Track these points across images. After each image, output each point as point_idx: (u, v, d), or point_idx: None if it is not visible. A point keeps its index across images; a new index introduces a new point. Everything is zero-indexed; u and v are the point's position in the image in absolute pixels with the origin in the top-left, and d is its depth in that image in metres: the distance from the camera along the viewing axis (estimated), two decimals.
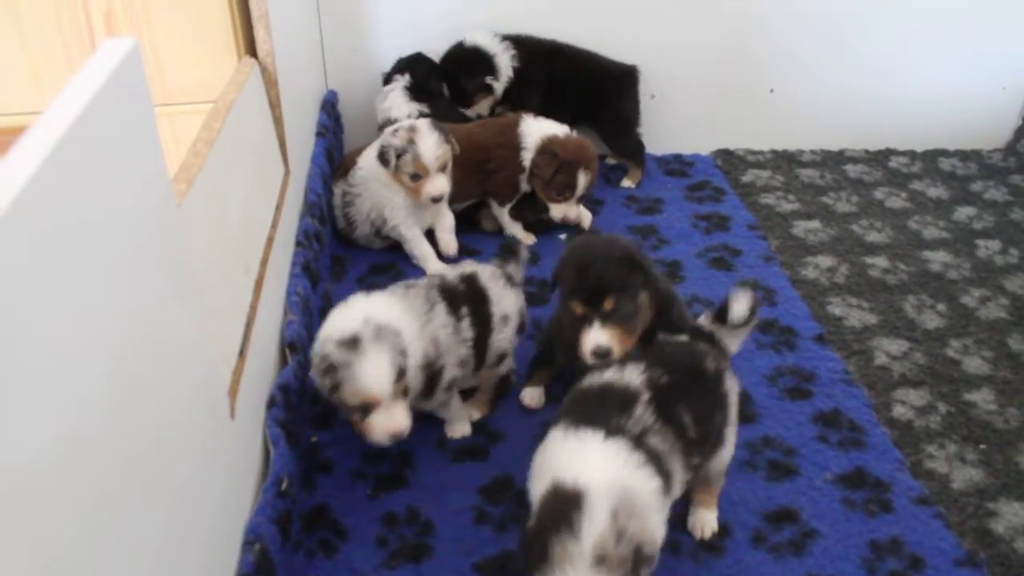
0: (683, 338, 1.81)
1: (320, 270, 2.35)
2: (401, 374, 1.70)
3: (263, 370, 1.78)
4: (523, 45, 3.04)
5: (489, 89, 3.02)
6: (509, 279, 2.08)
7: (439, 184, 2.47)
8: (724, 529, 1.80)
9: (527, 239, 2.78)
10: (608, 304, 1.81)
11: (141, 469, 1.08)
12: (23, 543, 0.79)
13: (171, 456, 1.20)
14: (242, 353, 1.63)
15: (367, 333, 1.69)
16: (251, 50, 2.10)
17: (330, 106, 3.00)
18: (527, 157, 2.71)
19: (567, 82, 3.06)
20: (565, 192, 2.70)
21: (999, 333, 2.41)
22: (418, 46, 3.07)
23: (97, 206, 0.97)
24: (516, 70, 3.02)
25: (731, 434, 1.73)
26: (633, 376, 1.59)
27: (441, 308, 1.89)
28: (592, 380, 1.64)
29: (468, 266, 2.07)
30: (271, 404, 1.76)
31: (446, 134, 2.48)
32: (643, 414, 1.52)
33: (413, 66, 2.96)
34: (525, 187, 2.79)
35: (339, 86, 3.15)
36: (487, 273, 2.04)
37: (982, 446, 2.03)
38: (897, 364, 2.28)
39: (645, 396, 1.55)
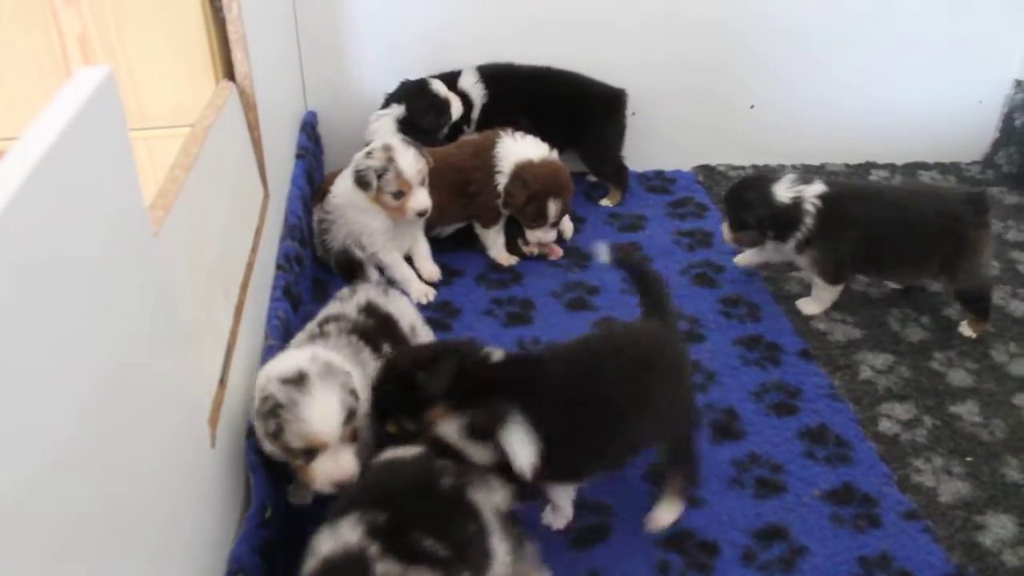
0: (413, 452, 1.57)
1: (301, 293, 2.33)
2: (351, 415, 1.57)
3: (244, 397, 1.76)
4: (497, 77, 3.05)
5: (461, 131, 3.07)
6: (388, 287, 2.08)
7: (422, 198, 2.46)
8: (713, 548, 1.79)
9: (508, 260, 2.77)
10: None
11: (120, 500, 1.06)
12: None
13: (151, 487, 1.18)
14: (222, 381, 1.60)
15: (314, 370, 1.56)
16: (229, 73, 2.09)
17: (310, 127, 2.98)
18: (502, 182, 2.67)
19: (549, 107, 3.04)
20: (537, 220, 2.68)
21: (982, 345, 2.41)
22: (398, 67, 3.06)
23: (71, 236, 0.96)
24: (486, 106, 3.06)
25: (498, 545, 1.48)
26: (349, 535, 1.33)
27: (366, 352, 1.81)
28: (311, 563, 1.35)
29: (351, 294, 1.97)
30: (251, 432, 1.73)
31: (420, 148, 2.48)
32: (383, 571, 1.29)
33: (412, 100, 2.91)
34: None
35: (318, 107, 3.14)
36: (376, 293, 1.99)
37: (968, 459, 2.03)
38: (882, 378, 2.28)
39: (372, 550, 1.31)
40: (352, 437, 1.60)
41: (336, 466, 1.56)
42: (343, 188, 2.54)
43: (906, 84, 3.37)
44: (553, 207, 2.65)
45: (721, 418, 2.13)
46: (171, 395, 1.29)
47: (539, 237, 2.72)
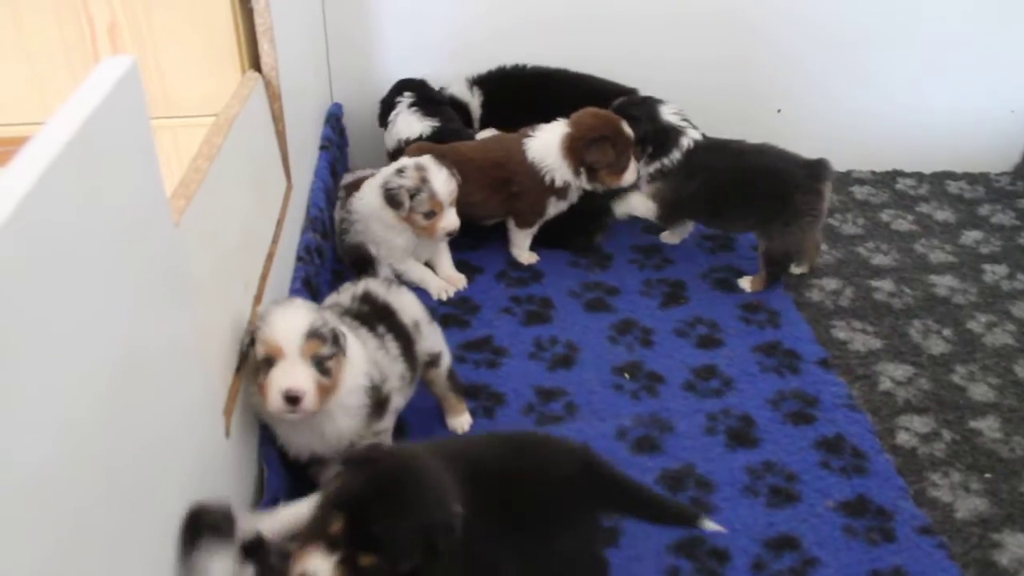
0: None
1: (321, 285, 2.33)
2: (318, 339, 1.58)
3: None
4: (502, 80, 3.07)
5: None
6: (395, 282, 2.08)
7: (452, 219, 2.44)
8: (724, 555, 1.78)
9: (530, 259, 2.76)
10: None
11: (133, 487, 1.07)
12: (9, 562, 0.78)
13: (164, 474, 1.19)
14: (239, 371, 1.61)
15: (299, 300, 1.67)
16: (255, 64, 2.10)
17: (335, 119, 2.99)
18: (557, 174, 2.60)
19: (556, 108, 3.02)
20: (625, 158, 2.58)
21: (1005, 359, 2.38)
22: (425, 61, 3.08)
23: (91, 224, 0.96)
24: (484, 115, 3.09)
25: None
26: None
27: (363, 330, 1.82)
28: None
29: (351, 286, 1.98)
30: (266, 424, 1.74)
31: (450, 167, 2.45)
32: None
33: (409, 86, 2.94)
34: (552, 211, 2.71)
35: (344, 99, 3.14)
36: (376, 285, 1.99)
37: (987, 475, 2.01)
38: (902, 390, 2.26)
39: None
40: (316, 361, 1.58)
41: (285, 376, 1.55)
42: (369, 201, 2.50)
43: (936, 92, 3.33)
44: (627, 128, 2.59)
45: (737, 425, 2.12)
46: (187, 383, 1.30)
47: (634, 171, 2.62)
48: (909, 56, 3.25)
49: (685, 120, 2.66)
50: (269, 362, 1.57)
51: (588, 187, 2.66)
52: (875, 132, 3.39)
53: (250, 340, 1.62)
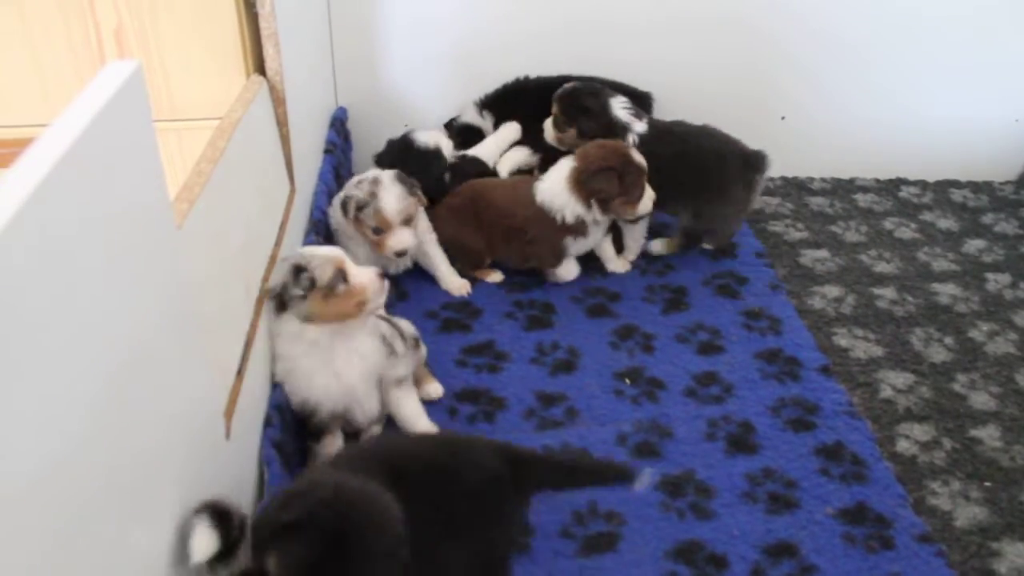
0: None
1: None
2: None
3: (261, 390, 1.78)
4: (508, 97, 3.07)
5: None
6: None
7: (402, 238, 2.38)
8: (722, 561, 1.78)
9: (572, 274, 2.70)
10: None
11: (132, 487, 1.08)
12: (7, 559, 0.79)
13: (163, 475, 1.19)
14: (240, 373, 1.62)
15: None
16: (260, 68, 2.11)
17: (339, 123, 3.00)
18: (567, 211, 2.52)
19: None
20: (638, 187, 2.52)
21: (1007, 368, 2.38)
22: (430, 66, 3.10)
23: (93, 226, 0.97)
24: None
25: None
26: None
27: None
28: None
29: None
30: (267, 424, 1.75)
31: (411, 186, 2.40)
32: None
33: (402, 160, 2.74)
34: (575, 249, 2.64)
35: (349, 103, 3.16)
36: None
37: (987, 484, 2.01)
38: (902, 397, 2.26)
39: None
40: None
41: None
42: (335, 209, 2.50)
43: (941, 101, 3.32)
44: (637, 155, 2.54)
45: (737, 431, 2.12)
46: (187, 385, 1.31)
47: (648, 202, 2.57)
48: (914, 64, 3.25)
49: (633, 113, 2.71)
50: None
51: (604, 218, 2.58)
52: (879, 140, 3.38)
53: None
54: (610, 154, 2.51)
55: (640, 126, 2.68)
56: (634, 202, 2.53)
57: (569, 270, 2.68)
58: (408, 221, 2.40)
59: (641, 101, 3.09)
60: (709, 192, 2.69)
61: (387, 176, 2.39)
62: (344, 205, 2.40)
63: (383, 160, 2.77)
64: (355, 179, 2.45)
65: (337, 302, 1.79)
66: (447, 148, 2.86)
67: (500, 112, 3.08)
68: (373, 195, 2.34)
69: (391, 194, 2.35)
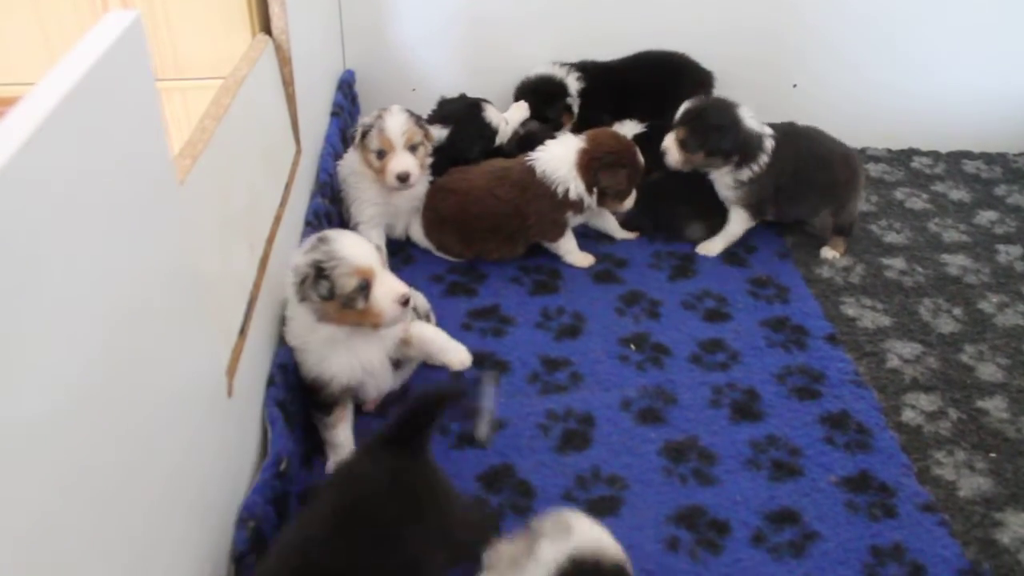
0: None
1: None
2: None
3: (265, 349, 1.78)
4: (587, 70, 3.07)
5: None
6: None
7: (404, 160, 2.37)
8: (724, 527, 1.78)
9: (589, 260, 2.63)
10: None
11: (132, 443, 1.08)
12: (8, 509, 0.79)
13: (163, 432, 1.19)
14: (243, 332, 1.62)
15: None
16: (266, 27, 2.09)
17: (347, 86, 2.98)
18: (572, 187, 2.49)
19: (639, 93, 3.06)
20: (634, 183, 2.55)
21: (1016, 340, 2.36)
22: (439, 31, 3.07)
23: (90, 179, 0.96)
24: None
25: None
26: None
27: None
28: None
29: None
30: (270, 383, 1.75)
31: (419, 119, 2.43)
32: None
33: (461, 123, 2.72)
34: (572, 224, 2.61)
35: (357, 66, 3.13)
36: None
37: (992, 455, 2.00)
38: (909, 368, 2.24)
39: None
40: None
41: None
42: (348, 155, 2.54)
43: (955, 70, 3.27)
44: (639, 154, 2.55)
45: (742, 399, 2.11)
46: (188, 342, 1.31)
47: (631, 201, 2.59)
48: (929, 33, 3.20)
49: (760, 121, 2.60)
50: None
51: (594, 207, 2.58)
52: (892, 109, 3.34)
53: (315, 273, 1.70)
54: (624, 151, 2.51)
55: (769, 132, 2.57)
56: (623, 199, 2.56)
57: (586, 256, 2.63)
58: (412, 148, 2.40)
59: (704, 80, 3.06)
60: (846, 187, 2.64)
61: (395, 106, 2.42)
62: (352, 132, 2.44)
63: (440, 116, 2.75)
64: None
65: (354, 315, 1.74)
66: (503, 134, 2.82)
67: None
68: (379, 118, 2.37)
69: (395, 118, 2.37)
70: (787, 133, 2.61)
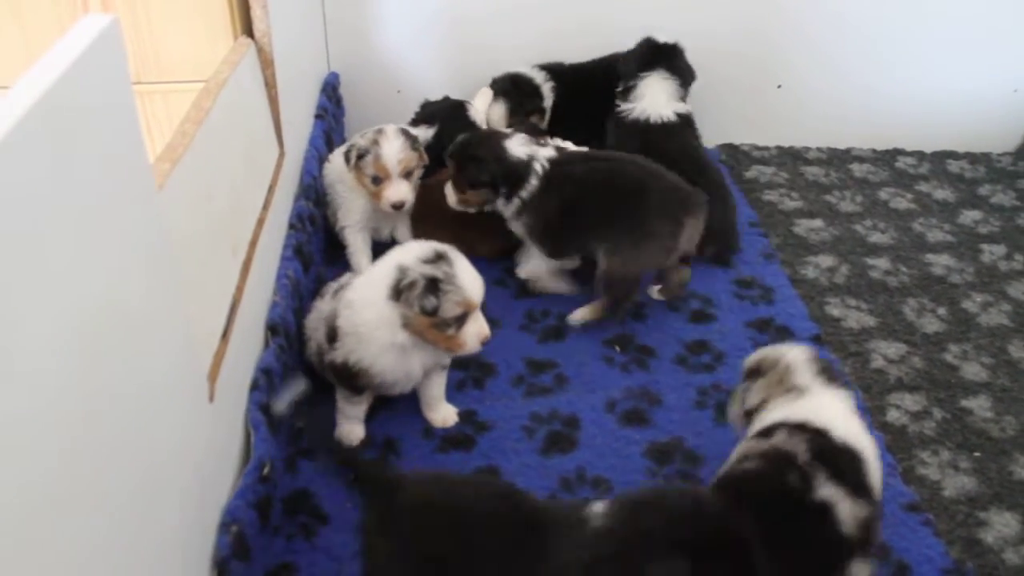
0: None
1: (313, 253, 2.32)
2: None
3: (248, 353, 1.77)
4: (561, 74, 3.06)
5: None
6: None
7: (400, 189, 2.36)
8: None
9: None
10: None
11: (109, 450, 1.06)
12: None
13: (142, 438, 1.18)
14: (225, 336, 1.61)
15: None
16: (248, 30, 2.08)
17: (331, 88, 2.97)
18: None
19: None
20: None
21: (1000, 339, 2.37)
22: (423, 32, 3.06)
23: (65, 183, 0.95)
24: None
25: None
26: None
27: None
28: None
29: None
30: (254, 387, 1.74)
31: (414, 140, 2.40)
32: None
33: (446, 122, 2.72)
34: None
35: (342, 69, 3.12)
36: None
37: (976, 454, 2.01)
38: (894, 368, 2.25)
39: None
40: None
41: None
42: (336, 162, 2.52)
43: (939, 70, 3.29)
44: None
45: (727, 400, 2.11)
46: (167, 346, 1.29)
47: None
48: (913, 33, 3.21)
49: (533, 142, 2.37)
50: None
51: None
52: (876, 110, 3.36)
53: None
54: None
55: (545, 152, 2.33)
56: None
57: (560, 285, 2.51)
58: (407, 174, 2.39)
59: (668, 53, 2.98)
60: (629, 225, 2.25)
61: (391, 128, 2.40)
62: (347, 152, 2.40)
63: (424, 116, 2.76)
64: (363, 132, 2.46)
65: (438, 336, 1.77)
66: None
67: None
68: (375, 143, 2.35)
69: (392, 144, 2.35)
70: (579, 160, 2.35)
